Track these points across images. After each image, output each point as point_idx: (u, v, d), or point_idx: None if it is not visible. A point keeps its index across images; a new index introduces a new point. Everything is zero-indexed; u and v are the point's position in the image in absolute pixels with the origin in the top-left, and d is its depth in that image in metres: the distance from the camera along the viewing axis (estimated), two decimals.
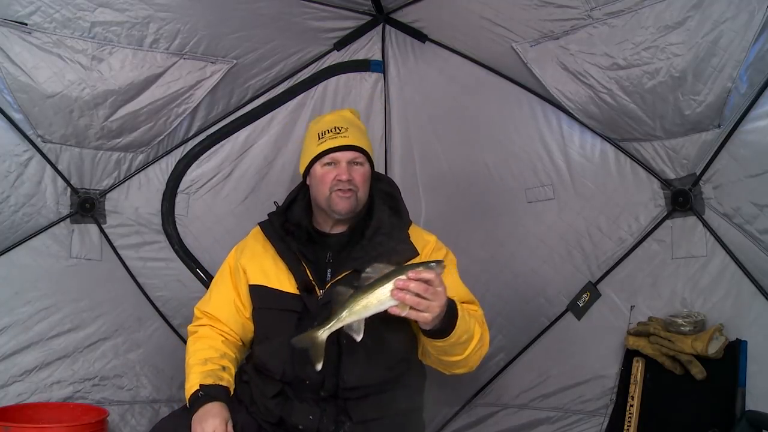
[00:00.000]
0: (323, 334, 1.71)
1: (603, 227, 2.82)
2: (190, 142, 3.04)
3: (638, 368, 2.63)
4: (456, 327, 1.78)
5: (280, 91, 3.10)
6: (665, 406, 2.54)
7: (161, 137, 2.90)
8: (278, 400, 1.97)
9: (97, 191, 2.92)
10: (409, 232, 2.12)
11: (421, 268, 1.63)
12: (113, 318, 2.94)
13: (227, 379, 2.00)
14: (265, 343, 2.06)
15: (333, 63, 3.13)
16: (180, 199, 3.06)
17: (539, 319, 2.99)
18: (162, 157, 3.01)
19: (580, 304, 2.87)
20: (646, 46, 2.34)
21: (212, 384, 1.95)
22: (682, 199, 2.61)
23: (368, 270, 1.68)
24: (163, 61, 2.65)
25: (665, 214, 2.67)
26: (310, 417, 1.93)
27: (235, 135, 3.09)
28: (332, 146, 2.06)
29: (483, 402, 3.13)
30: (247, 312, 2.12)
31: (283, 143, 3.14)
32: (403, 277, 1.62)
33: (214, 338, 2.10)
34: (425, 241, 2.11)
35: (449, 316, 1.76)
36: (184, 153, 3.05)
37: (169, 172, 3.04)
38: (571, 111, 2.73)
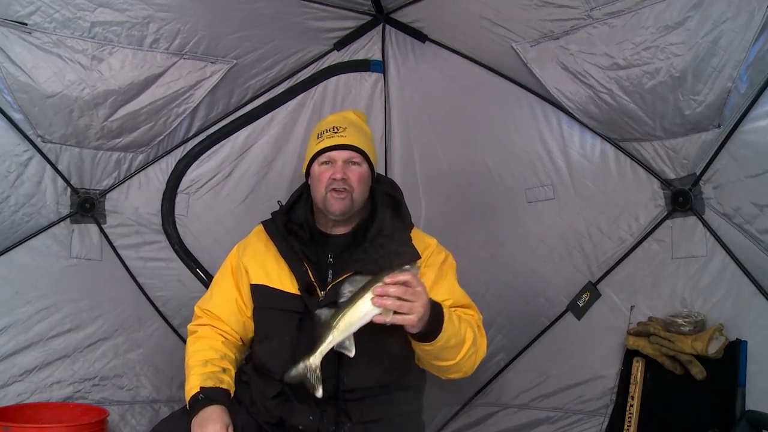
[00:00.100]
0: (315, 359, 1.71)
1: (603, 227, 2.82)
2: (190, 142, 3.05)
3: (638, 368, 2.63)
4: (443, 330, 1.77)
5: (280, 91, 3.10)
6: (665, 406, 2.54)
7: (161, 137, 2.91)
8: (278, 400, 1.97)
9: (97, 191, 2.92)
10: (411, 235, 2.12)
11: (395, 272, 1.64)
12: (113, 318, 2.94)
13: (228, 382, 2.00)
14: (265, 343, 2.05)
15: (333, 63, 3.13)
16: (180, 199, 3.06)
17: (539, 319, 2.99)
18: (162, 157, 3.01)
19: (580, 304, 2.87)
20: (646, 46, 2.34)
21: (213, 387, 1.94)
22: (682, 199, 2.61)
23: (344, 285, 1.69)
24: (163, 61, 2.65)
25: (665, 214, 2.68)
26: (310, 418, 1.93)
27: (235, 135, 3.09)
28: (328, 145, 2.07)
29: (483, 402, 3.13)
30: (249, 311, 2.12)
31: (283, 143, 3.14)
32: (380, 284, 1.62)
33: (215, 339, 2.09)
34: (426, 244, 2.11)
35: (435, 319, 1.75)
36: (184, 153, 3.05)
37: (169, 172, 3.04)
38: (571, 111, 2.73)
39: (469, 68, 3.00)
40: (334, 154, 2.06)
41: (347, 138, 2.07)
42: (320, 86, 3.13)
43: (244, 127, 3.09)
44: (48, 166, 2.77)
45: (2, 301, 2.73)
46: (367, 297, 1.63)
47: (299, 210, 2.14)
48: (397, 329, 1.79)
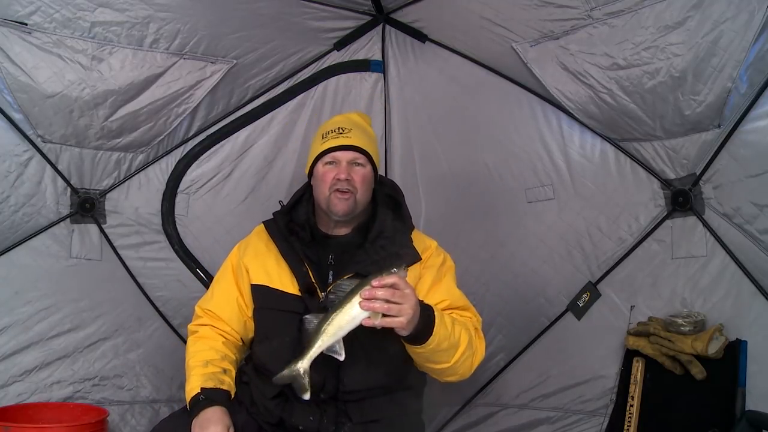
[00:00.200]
0: (304, 364, 1.72)
1: (603, 227, 2.82)
2: (190, 142, 3.05)
3: (638, 368, 2.63)
4: (434, 333, 1.77)
5: (280, 91, 3.10)
6: (665, 406, 2.54)
7: (161, 137, 2.91)
8: (278, 400, 1.97)
9: (97, 191, 2.93)
10: (411, 236, 2.12)
11: (383, 275, 1.64)
12: (113, 318, 2.94)
13: (228, 383, 2.00)
14: (265, 343, 2.05)
15: (333, 63, 3.13)
16: (180, 199, 3.06)
17: (539, 319, 2.99)
18: (162, 157, 3.01)
19: (580, 304, 2.87)
20: (646, 46, 2.34)
21: (213, 387, 1.94)
22: (682, 199, 2.61)
23: (331, 291, 1.70)
24: (163, 61, 2.65)
25: (665, 214, 2.68)
26: (311, 418, 1.93)
27: (235, 135, 3.09)
28: (333, 145, 2.07)
29: (483, 402, 3.13)
30: (250, 311, 2.12)
31: (283, 143, 3.14)
32: (368, 287, 1.63)
33: (215, 339, 2.09)
34: (426, 246, 2.11)
35: (426, 321, 1.75)
36: (184, 153, 3.05)
37: (169, 172, 3.04)
38: (571, 111, 2.73)
39: (469, 68, 3.00)
40: (338, 154, 2.06)
41: (352, 139, 2.07)
42: (320, 86, 3.13)
43: (244, 127, 3.09)
44: (48, 166, 2.77)
45: (2, 301, 2.73)
46: (355, 301, 1.64)
47: (301, 210, 2.14)
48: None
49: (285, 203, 2.21)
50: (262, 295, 2.07)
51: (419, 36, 3.06)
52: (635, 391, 2.60)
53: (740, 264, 2.49)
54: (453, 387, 2.98)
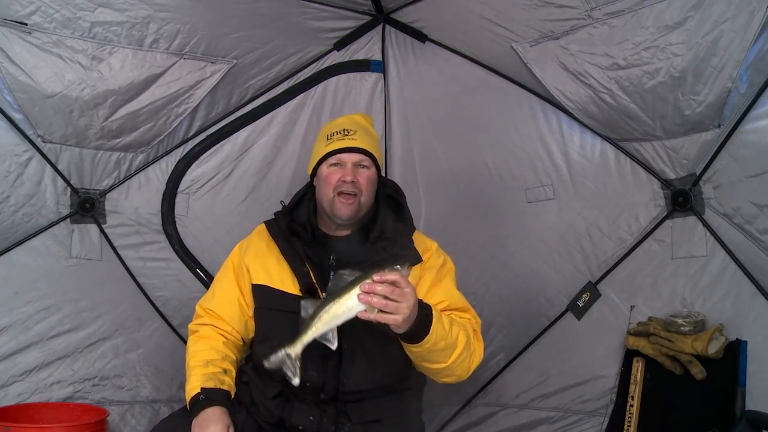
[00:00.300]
0: (296, 349, 1.70)
1: (603, 227, 2.82)
2: (190, 142, 3.05)
3: (638, 368, 2.63)
4: (430, 332, 1.76)
5: (280, 91, 3.10)
6: (665, 406, 2.54)
7: (161, 137, 2.91)
8: (278, 400, 1.97)
9: (97, 191, 2.93)
10: (412, 238, 2.12)
11: (385, 271, 1.63)
12: (113, 318, 2.94)
13: (228, 383, 2.00)
14: (265, 343, 2.05)
15: (333, 63, 3.13)
16: (180, 199, 3.06)
17: (539, 319, 2.99)
18: (162, 157, 3.02)
19: (580, 304, 2.87)
20: (646, 46, 2.34)
21: (213, 388, 1.94)
22: (682, 199, 2.61)
23: (332, 279, 1.69)
24: (163, 61, 2.65)
25: (665, 214, 2.68)
26: (311, 418, 1.93)
27: (235, 135, 3.09)
28: (339, 147, 2.06)
29: (483, 402, 3.13)
30: (250, 310, 2.11)
31: (283, 143, 3.14)
32: (368, 281, 1.62)
33: (216, 339, 2.09)
34: (426, 248, 2.11)
35: (423, 321, 1.74)
36: (184, 153, 3.05)
37: (169, 172, 3.04)
38: (571, 111, 2.73)
39: (469, 68, 3.00)
40: (344, 156, 2.05)
41: (358, 141, 2.07)
42: (320, 86, 3.13)
43: (244, 127, 3.09)
44: (48, 166, 2.77)
45: (2, 301, 2.73)
46: (354, 292, 1.63)
47: (302, 210, 2.14)
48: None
49: (286, 203, 2.21)
50: (262, 295, 2.06)
51: (419, 36, 3.06)
52: (635, 391, 2.60)
53: (740, 264, 2.49)
54: (453, 387, 2.98)
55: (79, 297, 2.88)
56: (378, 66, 3.16)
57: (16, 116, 2.61)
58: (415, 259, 2.01)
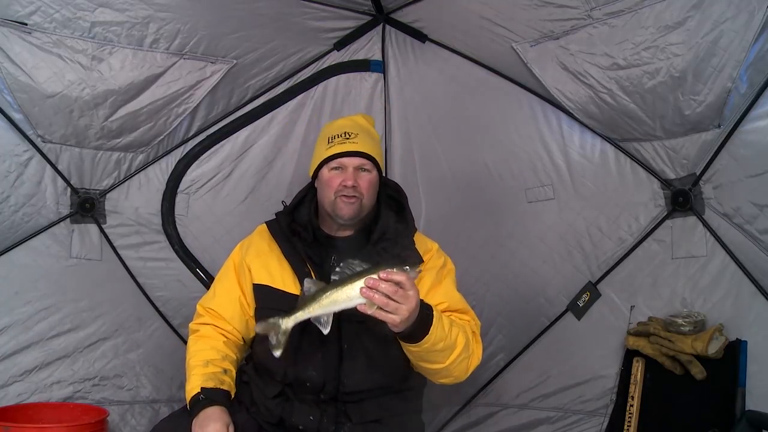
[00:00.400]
0: (288, 323, 1.73)
1: (603, 227, 2.82)
2: (190, 142, 3.05)
3: (638, 368, 2.63)
4: (430, 333, 1.76)
5: (280, 91, 3.10)
6: (665, 406, 2.54)
7: (161, 137, 2.91)
8: (279, 400, 1.97)
9: (97, 191, 2.93)
10: (414, 239, 2.12)
11: (393, 270, 1.63)
12: (113, 318, 2.94)
13: (228, 383, 2.00)
14: (266, 343, 2.04)
15: (333, 63, 3.13)
16: (180, 199, 3.06)
17: (539, 319, 2.99)
18: (162, 157, 3.01)
19: (580, 304, 2.87)
20: (646, 46, 2.34)
21: (214, 387, 1.94)
22: (682, 199, 2.61)
23: (342, 265, 1.69)
24: (163, 61, 2.65)
25: (665, 214, 2.68)
26: (311, 418, 1.93)
27: (235, 135, 3.09)
28: (340, 151, 2.05)
29: (483, 402, 3.13)
30: (251, 310, 2.11)
31: (283, 143, 3.14)
32: (374, 276, 1.62)
33: (216, 339, 2.09)
34: (427, 249, 2.11)
35: (423, 322, 1.74)
36: (184, 153, 3.05)
37: (169, 172, 3.04)
38: (571, 111, 2.73)
39: (469, 68, 3.00)
40: (345, 160, 2.05)
41: (359, 145, 2.06)
42: (320, 86, 3.13)
43: (244, 127, 3.09)
44: (48, 166, 2.77)
45: (2, 301, 2.73)
46: (358, 284, 1.63)
47: (303, 211, 2.14)
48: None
49: (287, 203, 2.21)
50: (263, 294, 2.06)
51: (419, 36, 3.06)
52: (635, 391, 2.60)
53: (740, 264, 2.49)
54: (453, 387, 2.97)
55: (79, 297, 2.88)
56: (378, 66, 3.16)
57: (16, 116, 2.61)
58: (417, 260, 2.01)
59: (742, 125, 2.39)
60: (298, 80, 3.11)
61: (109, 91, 2.61)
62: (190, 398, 1.93)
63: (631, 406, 2.60)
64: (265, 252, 2.12)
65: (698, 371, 2.44)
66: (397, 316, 1.64)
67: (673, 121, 2.47)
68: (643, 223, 2.74)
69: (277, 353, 1.75)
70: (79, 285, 2.88)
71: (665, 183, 2.66)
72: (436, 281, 2.05)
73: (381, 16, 3.08)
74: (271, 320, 1.75)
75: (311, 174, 2.15)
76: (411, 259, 1.98)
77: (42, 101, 2.55)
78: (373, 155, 2.08)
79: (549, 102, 2.85)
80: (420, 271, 1.70)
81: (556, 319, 2.95)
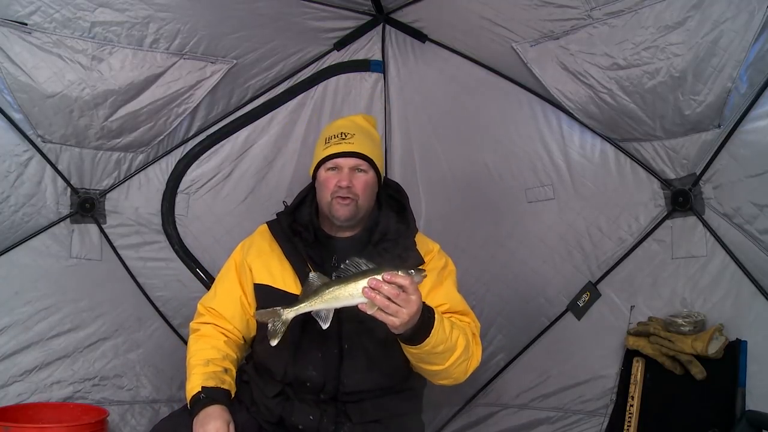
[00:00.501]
0: (288, 314, 1.74)
1: (603, 227, 2.82)
2: (190, 142, 3.05)
3: (638, 368, 2.63)
4: (431, 335, 1.76)
5: (280, 91, 3.10)
6: (665, 406, 2.54)
7: (161, 137, 2.91)
8: (278, 399, 1.98)
9: (97, 191, 2.93)
10: (415, 239, 2.12)
11: (398, 273, 1.63)
12: (113, 318, 2.94)
13: (229, 382, 2.00)
14: (266, 342, 2.04)
15: (333, 63, 3.13)
16: (180, 199, 3.06)
17: (539, 319, 2.99)
18: (162, 157, 3.01)
19: (580, 304, 2.87)
20: (646, 46, 2.34)
21: (214, 386, 1.94)
22: (682, 199, 2.61)
23: (347, 262, 1.70)
24: (163, 61, 2.65)
25: (665, 214, 2.68)
26: (310, 417, 1.93)
27: (235, 135, 3.09)
28: (335, 152, 2.06)
29: (483, 402, 3.13)
30: (252, 309, 2.11)
31: (283, 143, 3.14)
32: (378, 277, 1.63)
33: (217, 338, 2.09)
34: (428, 250, 2.11)
35: (425, 324, 1.74)
36: (184, 153, 3.05)
37: (169, 172, 3.04)
38: (571, 111, 2.73)
39: (469, 68, 3.00)
40: (340, 161, 2.05)
41: (355, 145, 2.06)
42: (320, 86, 3.13)
43: (244, 127, 3.09)
44: (48, 166, 2.77)
45: (2, 301, 2.73)
46: (361, 284, 1.64)
47: (304, 211, 2.14)
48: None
49: (287, 203, 2.21)
50: (264, 294, 2.06)
51: (419, 36, 3.06)
52: (635, 391, 2.60)
53: (740, 264, 2.49)
54: (453, 387, 2.96)
55: (79, 297, 2.88)
56: (378, 66, 3.16)
57: (16, 116, 2.61)
58: (418, 260, 2.01)
59: (742, 125, 2.39)
60: (298, 80, 3.11)
61: (109, 91, 2.61)
62: (190, 397, 1.93)
63: (631, 406, 2.60)
64: (266, 252, 2.12)
65: (698, 371, 2.44)
66: (397, 319, 1.64)
67: (673, 121, 2.47)
68: (643, 223, 2.74)
69: (274, 342, 1.76)
70: (79, 285, 2.88)
71: (665, 183, 2.66)
72: (437, 282, 2.04)
73: (381, 16, 3.08)
74: (274, 309, 1.77)
75: (311, 174, 2.16)
76: (412, 259, 1.98)
77: (42, 101, 2.55)
78: (369, 156, 2.07)
79: (549, 102, 2.85)
80: (425, 276, 1.70)
81: (556, 319, 2.95)
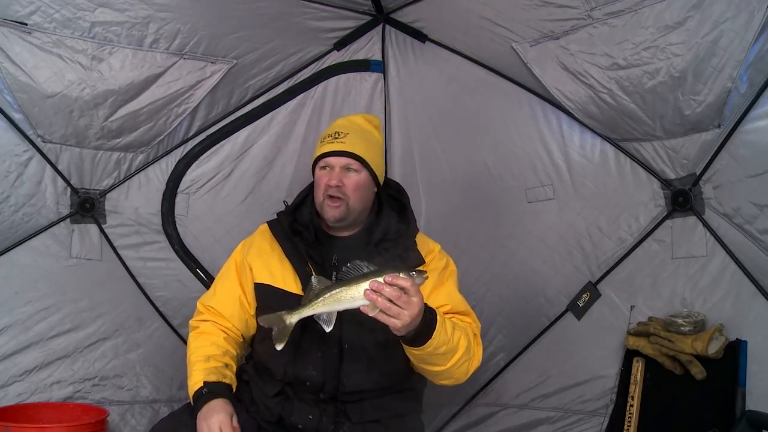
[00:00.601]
0: (292, 318, 1.76)
1: (603, 227, 2.82)
2: (190, 142, 3.05)
3: (638, 368, 2.63)
4: (432, 337, 1.76)
5: (280, 91, 3.10)
6: (665, 406, 2.54)
7: (161, 137, 2.91)
8: (278, 399, 1.98)
9: (97, 191, 2.93)
10: (416, 239, 2.11)
11: (400, 275, 1.63)
12: (113, 318, 2.94)
13: (230, 377, 2.00)
14: (266, 342, 2.05)
15: (333, 63, 3.13)
16: (180, 199, 3.06)
17: (539, 319, 2.99)
18: (162, 157, 3.01)
19: (580, 304, 2.87)
20: (646, 46, 2.34)
21: (216, 381, 1.94)
22: (682, 199, 2.61)
23: (348, 265, 1.70)
24: (163, 61, 2.65)
25: (665, 214, 2.68)
26: (310, 417, 1.93)
27: (235, 135, 3.09)
28: (327, 150, 2.06)
29: (483, 402, 3.13)
30: (252, 309, 2.12)
31: (283, 143, 3.14)
32: (380, 279, 1.63)
33: (216, 334, 2.09)
34: (429, 250, 2.11)
35: (426, 326, 1.74)
36: (184, 153, 3.05)
37: (169, 172, 3.04)
38: (571, 111, 2.74)
39: (469, 68, 3.00)
40: (331, 160, 2.05)
41: (346, 144, 2.06)
42: (320, 86, 3.13)
43: (244, 127, 3.09)
44: (48, 166, 2.77)
45: (2, 301, 2.73)
46: (363, 286, 1.64)
47: (305, 210, 2.14)
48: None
49: (289, 203, 2.21)
50: (264, 294, 2.07)
51: (419, 36, 3.06)
52: (635, 391, 2.60)
53: (740, 264, 2.49)
54: (453, 387, 2.96)
55: (79, 297, 2.88)
56: (378, 66, 3.16)
57: (16, 116, 2.61)
58: (418, 260, 2.01)
59: (742, 125, 2.39)
60: (298, 80, 3.11)
61: (109, 91, 2.61)
62: (193, 393, 1.93)
63: (631, 406, 2.60)
64: (266, 251, 2.12)
65: (698, 371, 2.44)
66: (399, 321, 1.64)
67: (673, 121, 2.47)
68: (643, 223, 2.74)
69: (279, 346, 1.77)
70: (79, 285, 2.88)
71: (665, 183, 2.66)
72: (439, 283, 2.04)
73: (381, 16, 3.08)
74: (277, 314, 1.78)
75: (312, 173, 2.16)
76: (412, 259, 1.98)
77: (42, 101, 2.55)
78: (361, 155, 2.06)
79: (549, 102, 2.85)
80: (426, 278, 1.70)
81: (556, 319, 2.95)
